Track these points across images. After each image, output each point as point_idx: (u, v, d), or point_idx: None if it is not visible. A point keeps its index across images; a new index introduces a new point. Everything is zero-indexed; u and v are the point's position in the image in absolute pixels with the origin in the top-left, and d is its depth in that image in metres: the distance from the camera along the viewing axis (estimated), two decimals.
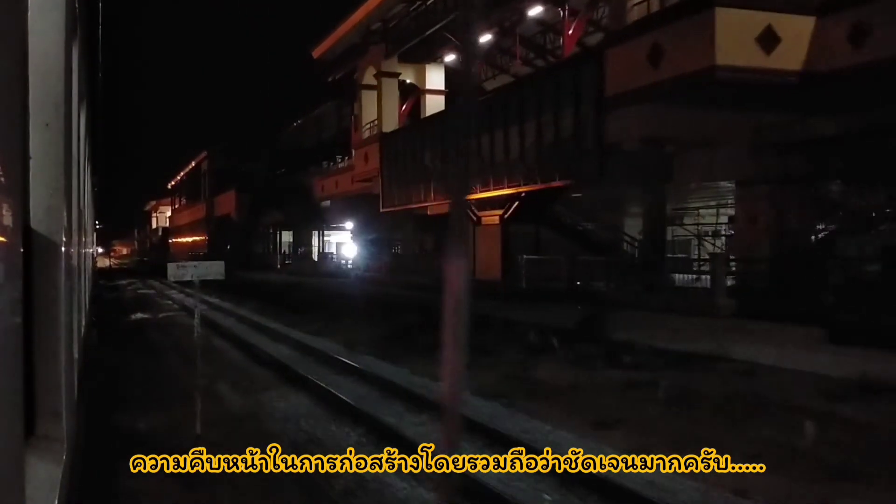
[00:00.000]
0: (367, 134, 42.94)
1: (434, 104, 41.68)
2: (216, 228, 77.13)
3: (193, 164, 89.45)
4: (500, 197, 30.61)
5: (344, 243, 59.62)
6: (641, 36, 20.64)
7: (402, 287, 32.94)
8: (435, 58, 41.47)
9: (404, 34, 39.81)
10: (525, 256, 27.32)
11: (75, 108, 5.40)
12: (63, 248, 3.83)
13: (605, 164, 22.57)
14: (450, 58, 41.11)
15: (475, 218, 32.27)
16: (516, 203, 29.75)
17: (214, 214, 78.00)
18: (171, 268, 9.50)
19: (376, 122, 41.49)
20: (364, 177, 42.68)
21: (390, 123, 40.49)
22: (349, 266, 50.25)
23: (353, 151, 45.22)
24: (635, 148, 22.51)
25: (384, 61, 40.58)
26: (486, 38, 37.59)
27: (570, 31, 29.98)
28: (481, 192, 30.89)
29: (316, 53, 45.96)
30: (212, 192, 78.46)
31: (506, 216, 30.17)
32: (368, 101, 42.95)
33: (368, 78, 42.63)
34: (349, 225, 54.75)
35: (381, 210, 40.06)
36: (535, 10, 34.04)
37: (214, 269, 9.49)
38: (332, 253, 62.52)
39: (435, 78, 42.22)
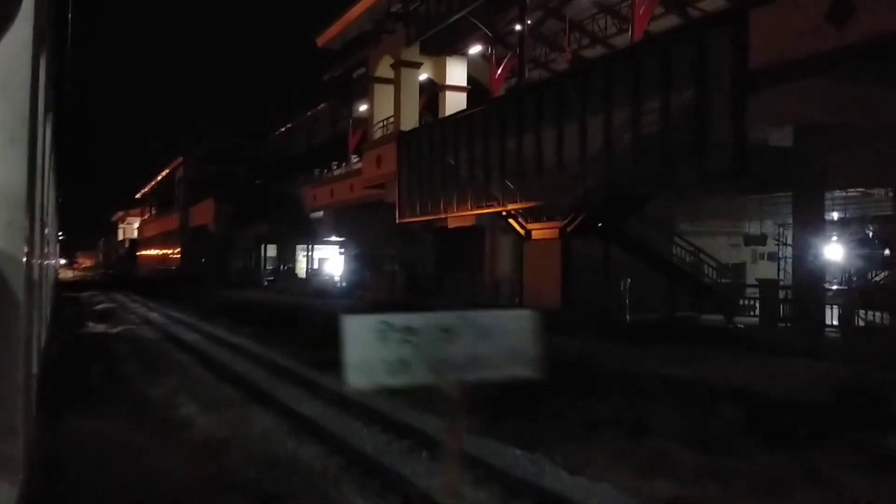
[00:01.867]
0: (378, 133, 37.15)
1: (454, 102, 35.95)
2: (191, 240, 70.91)
3: (168, 171, 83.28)
4: (559, 205, 24.99)
5: (339, 259, 53.70)
6: None
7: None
8: (456, 49, 35.86)
9: (428, 19, 34.18)
10: (628, 280, 21.50)
11: (41, 120, 5.53)
12: (24, 265, 3.96)
13: (745, 161, 16.96)
14: (475, 49, 35.55)
15: (523, 231, 26.58)
16: (583, 214, 24.11)
17: (189, 225, 71.77)
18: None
19: (392, 119, 35.72)
20: (375, 182, 36.79)
21: (410, 121, 34.73)
22: (345, 285, 44.19)
23: (362, 154, 39.37)
24: (784, 141, 16.96)
25: (404, 49, 34.85)
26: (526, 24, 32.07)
27: (642, 10, 24.57)
28: (538, 201, 25.30)
29: (321, 41, 40.22)
30: (187, 201, 72.35)
31: (568, 229, 24.46)
32: (383, 95, 37.19)
33: (383, 69, 36.87)
34: (347, 239, 48.85)
35: (397, 221, 34.17)
36: None
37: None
38: (325, 271, 56.56)
39: (456, 73, 36.53)
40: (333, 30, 38.59)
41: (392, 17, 35.41)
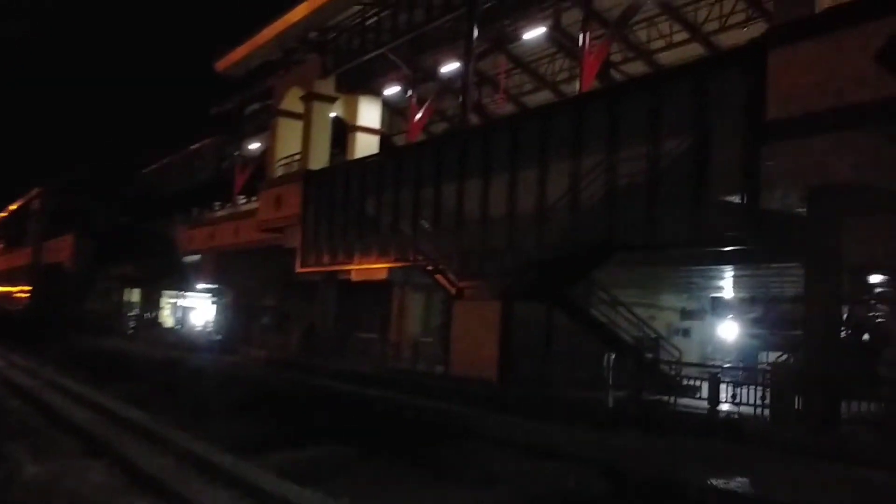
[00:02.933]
0: (280, 171, 33.47)
1: (365, 145, 33.00)
2: (43, 279, 63.92)
3: (21, 202, 75.82)
4: (501, 264, 22.13)
5: (212, 309, 48.93)
6: (862, 24, 13.12)
7: (337, 378, 23.46)
8: (372, 88, 32.96)
9: (349, 52, 31.22)
10: (612, 355, 18.47)
11: None
12: None
13: (759, 224, 14.60)
14: (392, 90, 32.73)
15: (454, 289, 23.52)
16: (527, 273, 21.31)
17: (43, 262, 64.83)
18: None
19: (298, 157, 32.19)
20: (273, 225, 32.91)
21: (320, 159, 31.32)
22: (223, 339, 39.60)
23: (259, 193, 35.44)
24: (798, 203, 14.72)
25: (319, 81, 31.61)
26: (451, 68, 29.63)
27: (591, 56, 22.49)
28: (473, 256, 22.39)
29: (221, 66, 36.31)
30: (42, 235, 65.49)
31: (510, 290, 21.55)
32: (288, 130, 33.66)
33: (291, 102, 33.42)
34: (226, 287, 44.38)
35: (298, 270, 30.50)
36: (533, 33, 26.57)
37: None
38: (194, 321, 51.50)
39: (369, 113, 33.59)
40: (236, 54, 34.89)
41: (306, 46, 32.17)
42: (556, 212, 19.82)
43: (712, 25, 25.94)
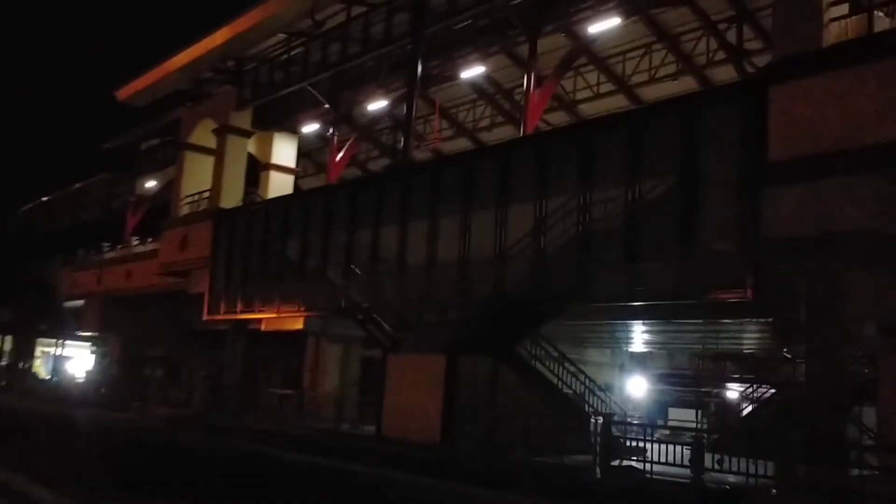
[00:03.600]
0: (186, 210, 30.78)
1: (280, 184, 30.91)
2: None
3: None
4: (446, 312, 20.34)
5: (93, 359, 44.83)
6: (879, 60, 12.17)
7: (246, 438, 20.97)
8: (288, 125, 30.98)
9: (270, 86, 29.14)
10: (600, 419, 16.55)
11: None
12: None
13: (760, 276, 13.35)
14: (310, 128, 30.80)
15: (389, 341, 21.51)
16: (477, 323, 19.57)
17: None
18: None
19: (208, 194, 29.63)
20: (177, 267, 30.04)
21: (233, 197, 28.85)
22: (108, 393, 35.91)
23: (161, 233, 32.48)
24: (800, 252, 13.53)
25: (234, 114, 29.29)
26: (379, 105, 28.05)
27: (537, 95, 21.38)
28: (414, 304, 20.54)
29: (123, 94, 33.45)
30: None
31: (456, 342, 19.68)
32: (196, 166, 31.16)
33: (201, 135, 30.95)
34: (114, 335, 40.64)
35: (205, 317, 27.74)
36: (471, 72, 25.28)
37: None
38: (71, 372, 47.15)
39: (284, 151, 31.57)
40: (142, 82, 32.17)
41: (222, 75, 29.88)
42: (512, 258, 18.20)
43: (640, 77, 25.36)
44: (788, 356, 22.60)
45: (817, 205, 12.77)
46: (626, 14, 21.02)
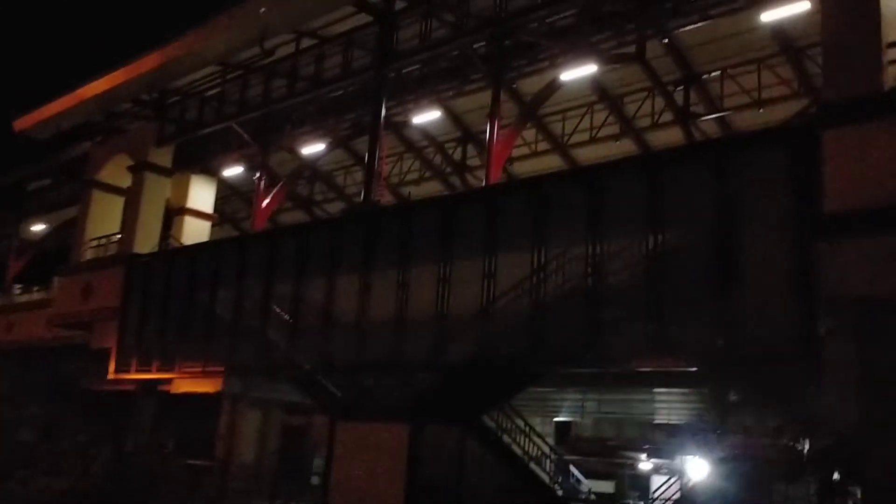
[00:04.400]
0: (90, 254, 27.43)
1: (195, 231, 28.12)
2: None
3: None
4: (408, 375, 18.10)
5: None
6: None
7: None
8: (208, 166, 28.40)
9: (189, 121, 26.60)
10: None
11: None
12: None
13: (815, 340, 11.90)
14: (233, 171, 28.40)
15: (336, 407, 19.08)
16: (445, 389, 17.40)
17: None
18: None
19: (119, 237, 26.48)
20: (77, 318, 26.49)
21: (148, 242, 25.83)
22: None
23: (57, 280, 28.94)
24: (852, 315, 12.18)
25: (153, 150, 26.49)
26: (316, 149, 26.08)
27: (497, 144, 19.89)
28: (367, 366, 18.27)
29: (20, 125, 29.95)
30: None
31: (421, 411, 17.41)
32: (104, 206, 27.99)
33: (112, 173, 27.91)
34: None
35: (111, 375, 24.40)
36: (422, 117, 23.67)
37: None
38: None
39: (202, 195, 28.84)
40: (45, 112, 28.84)
41: (142, 108, 27.08)
42: (495, 315, 16.24)
43: (582, 136, 24.65)
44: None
45: (884, 261, 11.47)
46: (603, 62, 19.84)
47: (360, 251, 18.68)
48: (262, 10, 21.01)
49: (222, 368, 21.93)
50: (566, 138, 25.06)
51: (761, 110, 20.75)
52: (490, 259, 16.10)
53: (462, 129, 26.18)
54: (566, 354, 15.11)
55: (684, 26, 18.21)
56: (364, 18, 21.25)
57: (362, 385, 19.01)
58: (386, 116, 21.59)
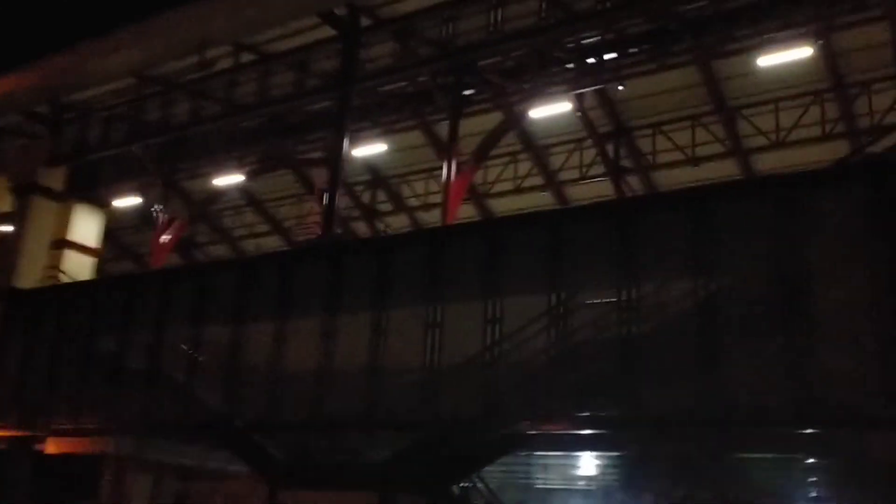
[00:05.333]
0: None
1: (77, 266, 24.53)
2: None
3: None
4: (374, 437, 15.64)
5: None
6: None
7: None
8: (95, 195, 25.03)
9: (92, 139, 23.41)
10: None
11: None
12: None
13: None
14: (129, 201, 25.34)
15: (277, 472, 16.31)
16: (419, 456, 15.04)
17: None
18: None
19: None
20: None
21: (33, 276, 22.15)
22: None
23: None
24: None
25: (44, 170, 22.97)
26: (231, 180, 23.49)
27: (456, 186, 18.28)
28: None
29: None
30: None
31: (392, 479, 14.89)
32: None
33: None
34: None
35: None
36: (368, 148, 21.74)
37: None
38: None
39: (86, 226, 25.25)
40: None
41: (33, 121, 23.60)
42: (493, 369, 14.13)
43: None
44: None
45: None
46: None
47: (308, 291, 16.20)
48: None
49: (108, 425, 18.72)
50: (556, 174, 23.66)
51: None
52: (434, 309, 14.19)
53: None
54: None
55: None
56: (317, 35, 19.15)
57: (312, 447, 16.33)
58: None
